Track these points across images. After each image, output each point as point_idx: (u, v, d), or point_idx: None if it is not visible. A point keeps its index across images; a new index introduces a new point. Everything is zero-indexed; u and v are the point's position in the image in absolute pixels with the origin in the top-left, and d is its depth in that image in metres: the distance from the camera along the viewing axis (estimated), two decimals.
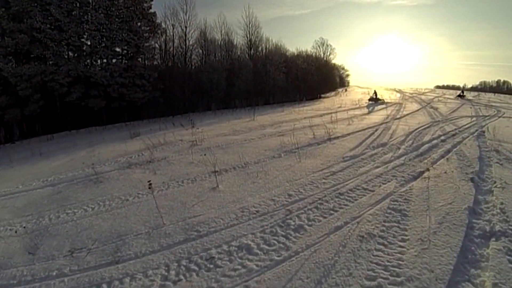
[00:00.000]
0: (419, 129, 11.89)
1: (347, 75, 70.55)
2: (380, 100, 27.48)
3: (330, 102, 32.96)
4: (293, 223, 4.57)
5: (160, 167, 8.32)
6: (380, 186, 5.89)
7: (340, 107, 24.48)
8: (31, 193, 7.75)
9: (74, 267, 3.98)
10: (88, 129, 25.29)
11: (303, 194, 5.68)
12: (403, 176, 6.39)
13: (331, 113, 19.12)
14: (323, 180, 6.35)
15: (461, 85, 73.31)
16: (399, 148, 8.85)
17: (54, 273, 3.88)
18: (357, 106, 24.40)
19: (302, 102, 33.98)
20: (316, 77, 41.21)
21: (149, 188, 4.99)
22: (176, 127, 18.04)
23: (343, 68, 65.95)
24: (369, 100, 28.07)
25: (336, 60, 50.33)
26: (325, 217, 4.71)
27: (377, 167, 7.13)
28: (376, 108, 21.42)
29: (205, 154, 8.30)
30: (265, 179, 6.62)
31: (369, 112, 18.64)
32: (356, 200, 5.28)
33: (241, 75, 34.79)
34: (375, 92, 29.10)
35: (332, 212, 4.87)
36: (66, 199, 6.73)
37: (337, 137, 10.79)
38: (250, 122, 17.04)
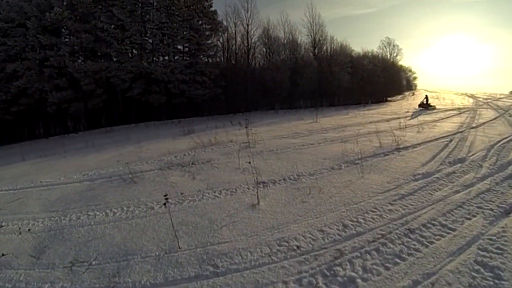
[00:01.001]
0: (502, 142, 9.58)
1: (414, 78, 65.00)
2: (431, 106, 24.23)
3: (397, 106, 30.03)
4: (342, 273, 3.36)
5: (202, 171, 7.64)
6: (462, 222, 4.36)
7: (408, 111, 21.93)
8: (68, 186, 7.77)
9: (67, 284, 3.58)
10: (146, 124, 26.21)
11: (361, 226, 4.41)
12: (491, 209, 4.75)
13: (398, 118, 17.17)
14: (389, 207, 4.99)
15: None
16: (481, 166, 7.02)
17: (46, 286, 3.60)
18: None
19: (368, 105, 31.72)
20: (382, 79, 38.57)
21: (164, 204, 4.17)
22: (234, 125, 17.63)
23: (410, 71, 60.82)
24: (419, 106, 24.92)
25: (403, 61, 46.31)
26: (387, 268, 3.42)
27: (457, 191, 5.53)
28: (447, 114, 18.58)
29: (249, 162, 7.15)
30: (318, 199, 5.46)
31: (440, 119, 16.24)
32: (431, 243, 3.86)
33: (305, 75, 33.93)
34: (426, 97, 25.70)
35: (397, 260, 3.55)
36: (95, 198, 6.47)
37: (406, 147, 9.15)
38: (312, 124, 15.86)
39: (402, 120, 15.52)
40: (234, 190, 6.19)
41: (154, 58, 30.26)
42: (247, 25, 35.17)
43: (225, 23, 34.37)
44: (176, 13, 29.79)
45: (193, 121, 24.86)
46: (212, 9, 33.19)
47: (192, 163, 8.42)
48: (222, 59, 34.89)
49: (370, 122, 15.80)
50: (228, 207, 5.33)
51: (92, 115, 29.21)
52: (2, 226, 5.59)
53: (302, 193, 5.79)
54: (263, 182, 6.46)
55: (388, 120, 16.43)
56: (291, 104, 35.07)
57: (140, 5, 28.60)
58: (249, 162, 6.76)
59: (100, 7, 26.92)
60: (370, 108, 28.27)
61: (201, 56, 32.58)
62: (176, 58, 30.70)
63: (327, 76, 34.85)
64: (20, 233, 5.05)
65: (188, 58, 31.44)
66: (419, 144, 9.54)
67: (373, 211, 4.89)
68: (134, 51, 29.30)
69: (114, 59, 27.75)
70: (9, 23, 26.79)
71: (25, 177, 9.44)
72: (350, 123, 15.83)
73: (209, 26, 32.68)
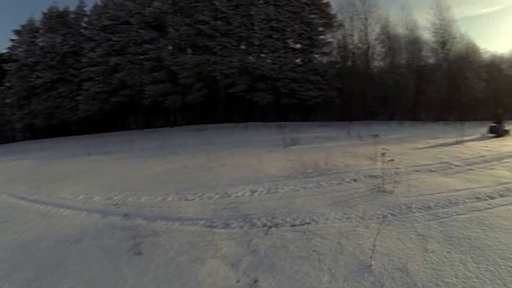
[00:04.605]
0: None
1: None
2: (506, 131, 14.23)
3: None
4: None
5: (278, 261, 3.15)
6: None
7: None
8: (68, 216, 5.17)
9: None
10: (246, 125, 23.33)
11: None
12: None
13: None
14: None
15: None
16: None
17: None
18: None
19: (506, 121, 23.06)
20: None
21: None
22: (351, 138, 13.02)
23: None
24: (491, 131, 14.28)
25: None
26: None
27: None
28: None
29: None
30: None
31: None
32: None
33: (432, 80, 27.77)
34: (498, 116, 15.08)
35: None
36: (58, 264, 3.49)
37: None
38: (458, 148, 10.00)
39: None
40: None
41: (262, 54, 27.80)
42: (365, 19, 30.13)
43: (340, 16, 30.26)
44: (285, 6, 27.12)
45: (301, 127, 20.85)
46: (325, 1, 29.65)
47: (271, 224, 3.98)
48: (338, 59, 30.82)
49: None
50: None
51: (190, 110, 28.35)
52: None
53: None
54: None
55: None
56: (414, 116, 28.93)
57: None
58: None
59: (202, 0, 26.18)
60: None
61: (315, 54, 29.32)
62: (286, 54, 27.63)
63: (458, 83, 27.64)
64: None
65: (300, 55, 28.46)
66: None
67: None
68: (238, 45, 27.44)
69: (217, 53, 26.11)
70: (114, 21, 28.41)
71: (57, 183, 7.83)
72: (509, 150, 9.57)
73: (322, 20, 29.18)
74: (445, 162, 7.65)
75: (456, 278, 2.81)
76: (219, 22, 25.65)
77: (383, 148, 6.26)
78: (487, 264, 3.02)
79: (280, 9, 26.69)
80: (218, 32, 25.50)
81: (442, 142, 11.86)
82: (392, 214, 4.30)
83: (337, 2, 36.64)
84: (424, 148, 10.35)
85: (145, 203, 5.13)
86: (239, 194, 5.36)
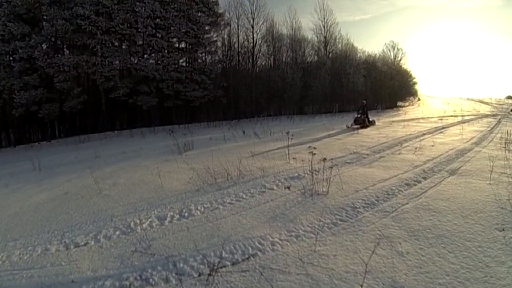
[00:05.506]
0: None
1: (414, 83, 60.10)
2: (371, 122, 15.15)
3: (416, 111, 26.51)
4: None
5: None
6: None
7: (442, 119, 17.28)
8: None
9: None
10: (131, 132, 20.83)
11: None
12: None
13: (445, 127, 12.80)
14: None
15: None
16: None
17: None
18: (460, 119, 16.62)
19: (385, 111, 28.26)
20: (397, 83, 35.51)
21: None
22: (247, 137, 12.36)
23: (410, 76, 56.99)
24: (355, 123, 14.51)
25: (407, 65, 43.05)
26: None
27: None
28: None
29: None
30: None
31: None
32: None
33: (318, 76, 29.78)
34: (362, 106, 15.11)
35: None
36: None
37: None
38: (356, 136, 11.04)
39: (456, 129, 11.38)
40: None
41: (145, 55, 25.40)
42: (253, 19, 30.56)
43: (227, 15, 29.93)
44: (172, 3, 25.23)
45: (190, 129, 19.74)
46: None
47: (208, 268, 2.87)
48: (223, 57, 30.48)
49: (423, 134, 10.97)
50: None
51: (70, 119, 24.08)
52: None
53: None
54: None
55: (439, 130, 11.98)
56: (301, 110, 31.29)
57: None
58: None
59: None
60: (391, 114, 23.64)
61: (200, 53, 28.17)
62: (170, 54, 25.77)
63: (341, 78, 30.87)
64: None
65: (184, 54, 26.91)
66: None
67: None
68: (120, 44, 24.46)
69: (98, 53, 22.66)
70: None
71: None
72: (401, 135, 10.80)
73: (210, 19, 28.10)
74: (356, 153, 7.82)
75: (447, 275, 2.50)
76: (101, 17, 22.12)
77: (311, 147, 5.84)
78: (461, 251, 2.88)
79: (167, 6, 24.72)
80: (99, 29, 22.01)
81: (338, 131, 12.48)
82: (341, 220, 3.75)
83: (225, 0, 36.47)
84: (325, 139, 10.57)
85: (19, 263, 3.27)
86: (145, 225, 3.94)
